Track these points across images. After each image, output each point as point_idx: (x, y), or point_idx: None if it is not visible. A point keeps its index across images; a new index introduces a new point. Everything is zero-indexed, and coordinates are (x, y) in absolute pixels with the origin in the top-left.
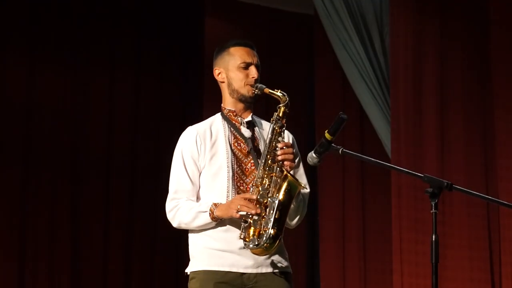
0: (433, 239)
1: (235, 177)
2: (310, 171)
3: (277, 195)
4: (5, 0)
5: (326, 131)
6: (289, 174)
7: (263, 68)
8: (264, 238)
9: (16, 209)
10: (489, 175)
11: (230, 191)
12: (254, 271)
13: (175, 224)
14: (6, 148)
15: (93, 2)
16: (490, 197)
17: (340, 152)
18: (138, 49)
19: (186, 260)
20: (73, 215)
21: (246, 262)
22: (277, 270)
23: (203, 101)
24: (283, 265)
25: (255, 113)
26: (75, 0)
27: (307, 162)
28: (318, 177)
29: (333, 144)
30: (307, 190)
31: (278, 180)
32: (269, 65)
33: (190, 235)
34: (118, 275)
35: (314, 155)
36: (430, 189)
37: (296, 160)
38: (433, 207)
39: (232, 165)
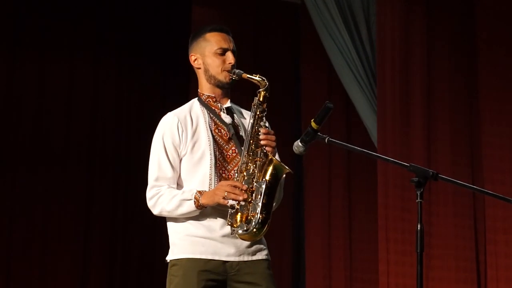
0: (418, 228)
1: (217, 164)
2: (296, 160)
3: (263, 179)
4: None
5: (312, 120)
6: (274, 158)
7: (249, 55)
8: (253, 223)
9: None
10: (475, 165)
11: (213, 178)
12: (237, 259)
13: (156, 211)
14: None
15: None
16: (475, 187)
17: (326, 141)
18: (125, 37)
19: (163, 249)
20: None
21: (228, 250)
22: (259, 258)
23: (190, 90)
24: (264, 253)
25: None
26: None
27: (293, 151)
28: (304, 166)
29: (319, 133)
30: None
31: (263, 165)
32: (256, 53)
33: (169, 223)
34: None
35: (300, 144)
36: (415, 179)
37: None
38: (418, 197)
39: (214, 152)
